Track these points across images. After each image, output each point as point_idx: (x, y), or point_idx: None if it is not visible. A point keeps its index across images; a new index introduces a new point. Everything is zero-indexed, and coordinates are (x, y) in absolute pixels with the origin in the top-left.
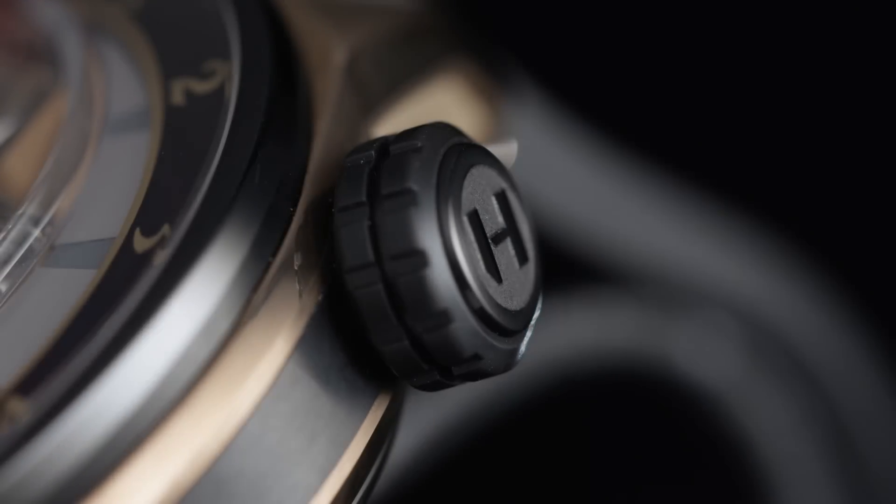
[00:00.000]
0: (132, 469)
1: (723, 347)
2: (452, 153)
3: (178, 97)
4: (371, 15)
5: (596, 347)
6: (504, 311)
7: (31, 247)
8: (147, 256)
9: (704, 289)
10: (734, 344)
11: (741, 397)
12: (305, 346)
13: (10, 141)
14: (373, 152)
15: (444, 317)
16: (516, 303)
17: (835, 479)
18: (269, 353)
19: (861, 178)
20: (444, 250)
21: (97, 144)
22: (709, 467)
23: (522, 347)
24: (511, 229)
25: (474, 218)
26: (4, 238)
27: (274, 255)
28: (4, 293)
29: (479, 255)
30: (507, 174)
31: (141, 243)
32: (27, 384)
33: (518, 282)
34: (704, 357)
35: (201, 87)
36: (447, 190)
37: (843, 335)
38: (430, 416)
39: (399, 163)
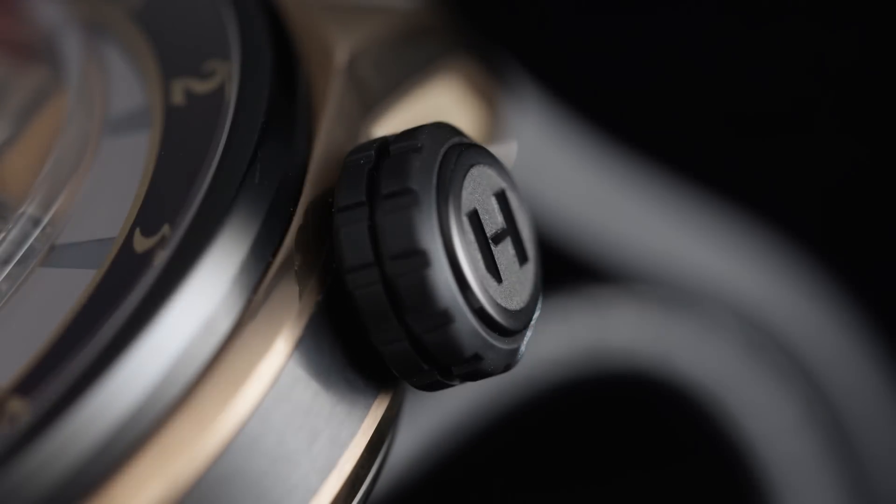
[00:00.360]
0: (132, 469)
1: (723, 347)
2: (452, 153)
3: (178, 97)
4: (371, 15)
5: (595, 348)
6: (504, 310)
7: (31, 247)
8: (147, 256)
9: (704, 289)
10: (734, 344)
11: (741, 397)
12: (305, 346)
13: (10, 141)
14: (373, 152)
15: (444, 317)
16: (516, 303)
17: (835, 479)
18: (269, 353)
19: (861, 177)
20: (445, 250)
21: (97, 144)
22: (709, 467)
23: (523, 347)
24: (511, 229)
25: (474, 218)
26: (4, 238)
27: (274, 255)
28: (4, 293)
29: (479, 255)
30: (507, 174)
31: (141, 243)
32: (27, 384)
33: (518, 282)
34: (704, 357)
35: (201, 87)
36: (447, 190)
37: (843, 335)
38: (430, 416)
39: (399, 163)
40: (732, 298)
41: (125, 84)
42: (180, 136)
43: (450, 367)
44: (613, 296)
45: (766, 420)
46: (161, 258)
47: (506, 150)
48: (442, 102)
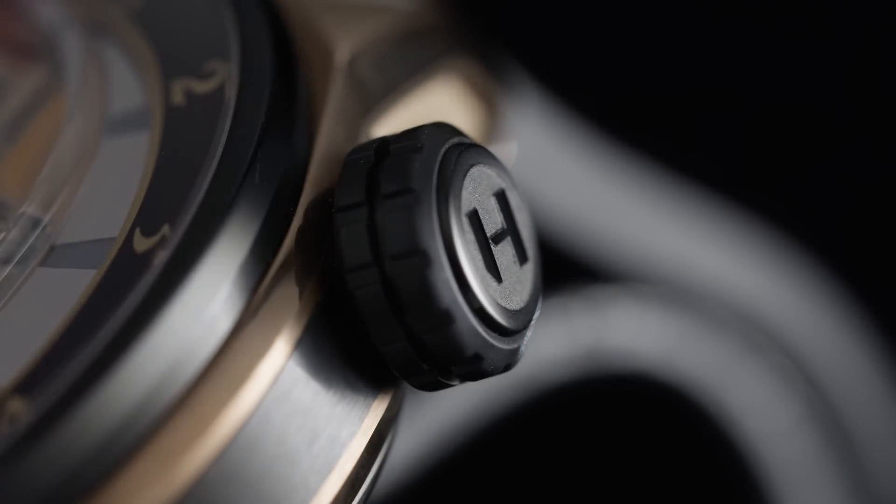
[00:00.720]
0: (132, 469)
1: (723, 347)
2: (452, 153)
3: (178, 97)
4: (371, 15)
5: (595, 348)
6: (504, 310)
7: (31, 247)
8: (147, 256)
9: (705, 289)
10: (734, 344)
11: (741, 397)
12: (305, 346)
13: (10, 141)
14: (373, 152)
15: (444, 317)
16: (516, 302)
17: (835, 479)
18: (270, 354)
19: (861, 175)
20: (445, 250)
21: (97, 144)
22: (709, 468)
23: (523, 347)
24: (511, 229)
25: (474, 217)
26: (4, 238)
27: (274, 255)
28: (4, 293)
29: (479, 255)
30: (506, 174)
31: (141, 243)
32: (27, 384)
33: (518, 281)
34: (704, 357)
35: (201, 87)
36: (447, 190)
37: (844, 335)
38: (430, 416)
39: (399, 162)
40: (733, 298)
41: (125, 84)
42: (180, 136)
43: (450, 367)
44: (613, 296)
45: (767, 420)
46: (161, 258)
47: (506, 150)
48: (442, 102)
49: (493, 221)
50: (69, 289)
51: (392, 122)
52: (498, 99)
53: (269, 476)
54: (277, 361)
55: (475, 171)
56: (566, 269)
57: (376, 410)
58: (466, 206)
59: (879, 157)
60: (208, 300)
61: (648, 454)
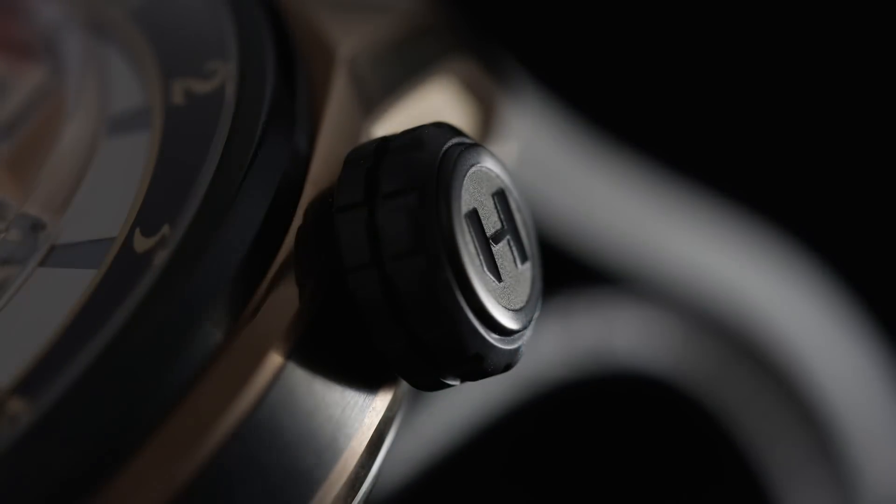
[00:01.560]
0: (131, 469)
1: (723, 347)
2: (452, 153)
3: (178, 97)
4: (371, 14)
5: (594, 348)
6: (505, 310)
7: (31, 247)
8: (147, 256)
9: (705, 289)
10: (734, 344)
11: (741, 397)
12: (305, 347)
13: (10, 140)
14: (373, 152)
15: (444, 317)
16: (516, 302)
17: (834, 479)
18: (270, 353)
19: (861, 174)
20: (445, 250)
21: (97, 144)
22: (708, 468)
23: (523, 347)
24: (510, 229)
25: (474, 217)
26: (4, 238)
27: (274, 255)
28: (4, 293)
29: (479, 255)
30: (506, 173)
31: (141, 243)
32: (27, 384)
33: (518, 281)
34: (704, 357)
35: (201, 87)
36: (447, 189)
37: (844, 334)
38: (430, 416)
39: (399, 162)
40: (733, 298)
41: (125, 84)
42: (180, 136)
43: (450, 366)
44: (613, 296)
45: (766, 420)
46: (161, 258)
47: (505, 150)
48: (442, 102)
49: (492, 221)
50: (69, 289)
51: (392, 122)
52: (498, 99)
53: (268, 476)
54: (277, 361)
55: (475, 171)
56: (566, 269)
57: (376, 410)
58: (466, 206)
59: (880, 156)
60: (208, 300)
61: (648, 454)
